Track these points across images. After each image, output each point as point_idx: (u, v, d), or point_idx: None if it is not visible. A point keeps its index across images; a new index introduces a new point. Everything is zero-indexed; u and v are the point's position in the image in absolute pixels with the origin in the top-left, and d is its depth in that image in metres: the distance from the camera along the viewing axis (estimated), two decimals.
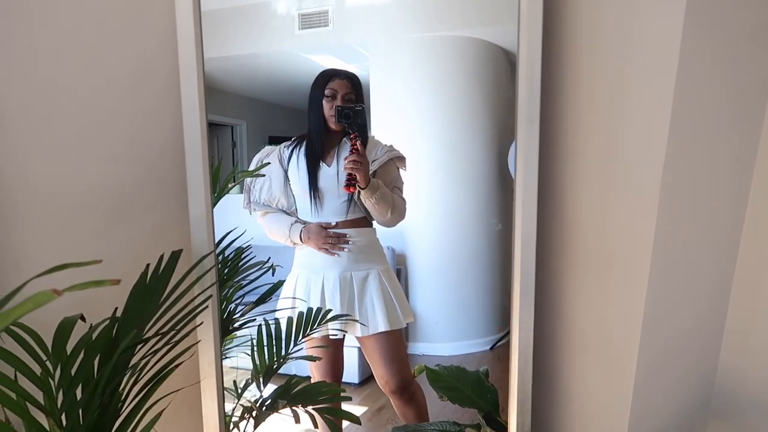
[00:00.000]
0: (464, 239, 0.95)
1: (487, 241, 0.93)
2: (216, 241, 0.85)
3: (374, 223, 0.90)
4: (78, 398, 0.60)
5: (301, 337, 0.91)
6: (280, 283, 0.93)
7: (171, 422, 0.76)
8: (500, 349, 0.92)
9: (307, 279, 0.92)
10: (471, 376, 0.89)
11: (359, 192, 0.86)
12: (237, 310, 0.92)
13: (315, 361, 0.95)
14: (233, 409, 0.90)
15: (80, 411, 0.60)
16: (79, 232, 0.90)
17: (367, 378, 0.96)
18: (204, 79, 0.80)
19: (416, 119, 0.93)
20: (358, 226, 0.90)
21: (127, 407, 0.65)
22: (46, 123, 0.88)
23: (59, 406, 0.60)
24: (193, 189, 0.82)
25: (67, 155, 0.88)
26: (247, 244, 0.91)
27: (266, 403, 0.89)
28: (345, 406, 0.94)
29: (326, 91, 0.87)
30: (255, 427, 0.89)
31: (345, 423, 0.92)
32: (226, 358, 0.89)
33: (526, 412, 0.80)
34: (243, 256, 0.91)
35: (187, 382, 0.84)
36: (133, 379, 0.64)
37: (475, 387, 0.88)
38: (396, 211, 0.89)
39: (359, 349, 0.96)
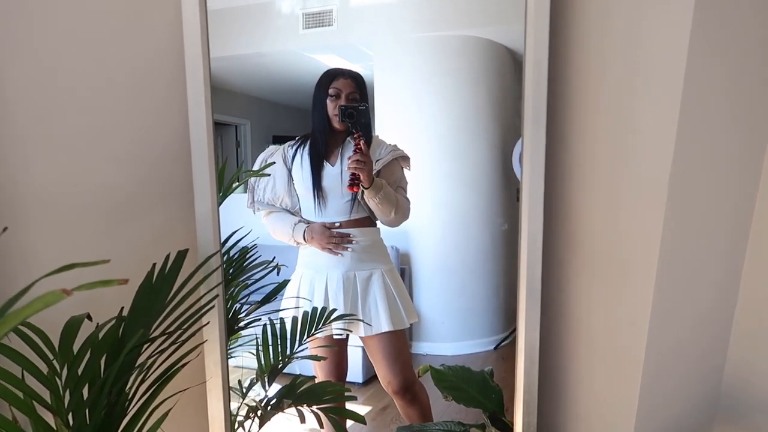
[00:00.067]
0: (468, 239, 0.94)
1: (491, 240, 0.93)
2: (221, 241, 0.85)
3: (378, 222, 0.90)
4: (85, 397, 0.60)
5: (306, 336, 0.91)
6: (285, 283, 0.93)
7: (177, 422, 0.76)
8: (504, 349, 0.92)
9: (311, 279, 0.92)
10: (476, 376, 0.88)
11: (363, 192, 0.86)
12: (242, 310, 0.93)
13: (320, 360, 0.95)
14: (238, 409, 0.91)
15: (87, 410, 0.60)
16: (86, 232, 0.90)
17: (370, 377, 0.96)
18: (210, 77, 0.80)
19: (420, 119, 0.93)
20: (362, 226, 0.90)
21: (133, 407, 0.65)
22: (52, 124, 0.88)
23: (66, 405, 0.60)
24: (199, 188, 0.82)
25: (74, 156, 0.89)
26: (252, 244, 0.91)
27: (271, 403, 0.89)
28: (349, 406, 0.94)
29: (330, 91, 0.86)
30: (260, 426, 0.89)
31: (349, 422, 0.92)
32: (231, 357, 0.89)
33: (532, 413, 0.80)
34: (248, 255, 0.91)
35: (193, 382, 0.84)
36: (139, 378, 0.64)
37: (480, 387, 0.88)
38: (400, 210, 0.89)
39: (363, 348, 0.95)
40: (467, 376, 0.89)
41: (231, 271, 0.90)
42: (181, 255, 0.70)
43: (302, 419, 0.87)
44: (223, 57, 0.85)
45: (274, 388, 0.91)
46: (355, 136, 0.85)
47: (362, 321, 0.91)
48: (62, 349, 0.60)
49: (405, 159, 0.88)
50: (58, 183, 0.89)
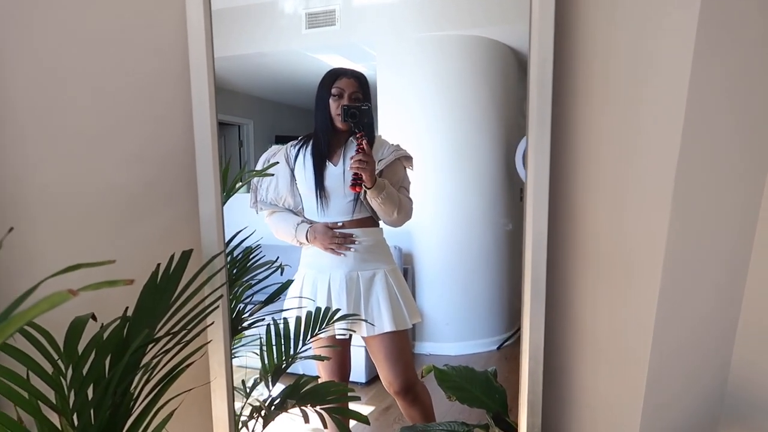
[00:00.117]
0: (471, 238, 0.94)
1: (494, 240, 0.93)
2: (226, 241, 0.85)
3: (381, 222, 0.90)
4: (90, 397, 0.60)
5: (309, 336, 0.91)
6: (289, 283, 0.93)
7: (181, 422, 0.76)
8: (508, 349, 0.92)
9: (314, 279, 0.92)
10: (479, 376, 0.88)
11: (365, 191, 0.86)
12: (246, 310, 0.93)
13: (323, 360, 0.95)
14: (242, 409, 0.91)
15: (92, 410, 0.60)
16: (91, 233, 0.90)
17: (373, 377, 0.96)
18: (215, 78, 0.80)
19: (423, 118, 0.93)
20: (365, 226, 0.90)
21: (138, 407, 0.65)
22: (58, 125, 0.89)
23: (71, 405, 0.60)
24: (203, 188, 0.82)
25: (79, 156, 0.89)
26: (256, 244, 0.91)
27: (275, 403, 0.89)
28: (352, 406, 0.94)
29: (333, 90, 0.86)
30: (264, 426, 0.89)
31: (352, 422, 0.92)
32: (235, 357, 0.89)
33: (537, 414, 0.80)
34: (252, 255, 0.91)
35: (198, 382, 0.84)
36: (144, 378, 0.64)
37: (484, 387, 0.87)
38: (402, 210, 0.89)
39: (366, 348, 0.95)
40: (471, 376, 0.88)
41: (235, 271, 0.90)
42: (186, 255, 0.70)
43: (306, 419, 0.87)
44: (227, 57, 0.85)
45: (278, 388, 0.91)
46: (357, 135, 0.85)
47: (365, 321, 0.91)
48: (67, 349, 0.61)
49: (408, 159, 0.88)
50: (63, 184, 0.89)
